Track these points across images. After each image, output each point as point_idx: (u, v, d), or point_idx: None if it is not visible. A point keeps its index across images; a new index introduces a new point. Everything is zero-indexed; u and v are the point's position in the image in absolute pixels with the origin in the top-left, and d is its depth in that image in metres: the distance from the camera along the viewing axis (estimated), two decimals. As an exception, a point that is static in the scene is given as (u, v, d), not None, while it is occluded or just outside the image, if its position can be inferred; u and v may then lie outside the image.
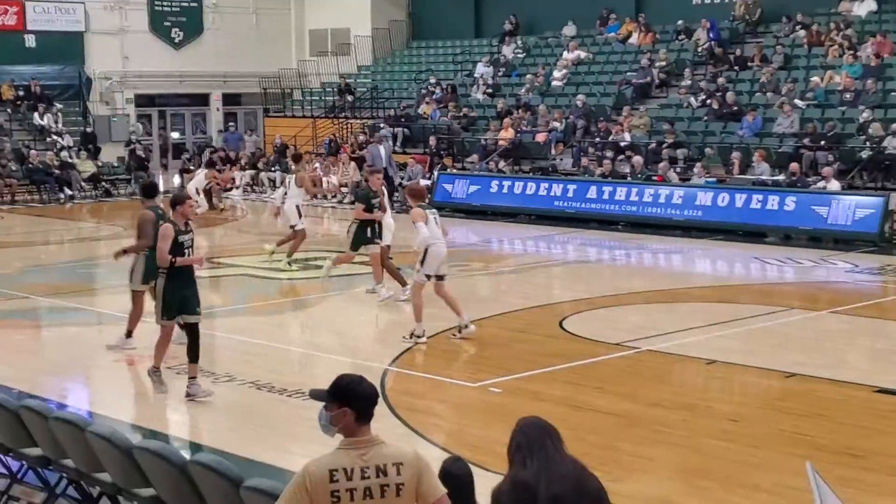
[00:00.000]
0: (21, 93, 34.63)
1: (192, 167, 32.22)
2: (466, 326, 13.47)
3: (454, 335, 13.46)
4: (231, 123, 38.84)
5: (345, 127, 34.39)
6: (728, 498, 8.39)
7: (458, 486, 5.28)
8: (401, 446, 4.86)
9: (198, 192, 26.03)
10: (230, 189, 31.84)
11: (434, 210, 14.11)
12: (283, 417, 10.52)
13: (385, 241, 15.97)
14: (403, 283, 15.63)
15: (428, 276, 13.54)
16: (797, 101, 25.56)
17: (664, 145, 25.90)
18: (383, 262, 15.89)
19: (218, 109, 39.15)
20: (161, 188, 21.03)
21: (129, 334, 13.13)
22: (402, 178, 27.92)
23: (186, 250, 10.86)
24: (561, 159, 27.36)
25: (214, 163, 30.65)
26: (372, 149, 27.96)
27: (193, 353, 10.96)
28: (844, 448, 9.43)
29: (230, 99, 39.44)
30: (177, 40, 37.93)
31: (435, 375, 12.07)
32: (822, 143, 23.75)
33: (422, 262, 13.40)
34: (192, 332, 10.97)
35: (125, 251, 13.26)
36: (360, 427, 4.80)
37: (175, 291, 10.79)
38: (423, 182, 27.63)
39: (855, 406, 10.83)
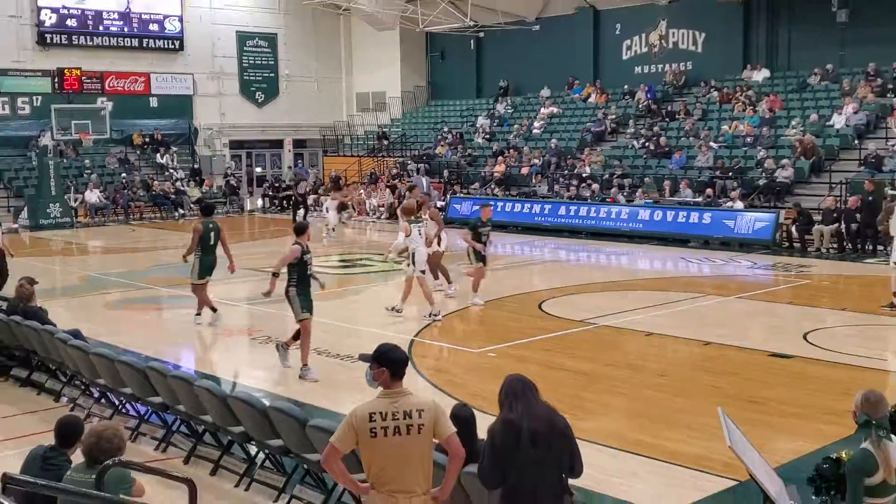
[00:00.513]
0: (147, 139, 34.79)
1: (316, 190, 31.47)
2: (400, 309, 13.60)
3: (427, 316, 13.40)
4: (299, 161, 38.88)
5: (382, 163, 34.39)
6: (661, 433, 8.37)
7: (464, 424, 5.29)
8: (423, 396, 4.87)
9: (327, 210, 25.08)
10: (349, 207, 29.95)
11: (421, 224, 14.09)
12: (337, 375, 10.54)
13: (441, 248, 15.32)
14: (449, 280, 15.36)
15: (423, 272, 13.68)
16: (712, 144, 25.45)
17: (615, 176, 25.82)
18: (438, 263, 15.23)
19: (289, 151, 39.16)
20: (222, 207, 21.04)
21: (198, 313, 13.30)
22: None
23: (309, 266, 10.58)
24: (539, 186, 27.31)
25: (340, 187, 29.79)
26: (416, 179, 27.71)
27: (297, 335, 10.67)
28: (747, 397, 9.40)
29: (298, 143, 39.46)
30: (259, 101, 37.96)
31: (447, 344, 12.09)
32: (730, 174, 23.67)
33: (412, 263, 13.60)
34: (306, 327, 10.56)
35: (185, 256, 13.58)
36: (393, 382, 4.82)
37: (306, 296, 10.50)
38: (439, 203, 27.71)
39: (755, 366, 10.80)
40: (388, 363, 4.84)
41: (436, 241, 15.00)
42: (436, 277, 15.29)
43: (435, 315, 13.36)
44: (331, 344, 11.93)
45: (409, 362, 5.26)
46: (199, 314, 13.39)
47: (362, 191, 31.28)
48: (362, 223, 29.37)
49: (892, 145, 21.59)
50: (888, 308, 13.54)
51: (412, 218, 13.96)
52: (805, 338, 11.99)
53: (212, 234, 13.32)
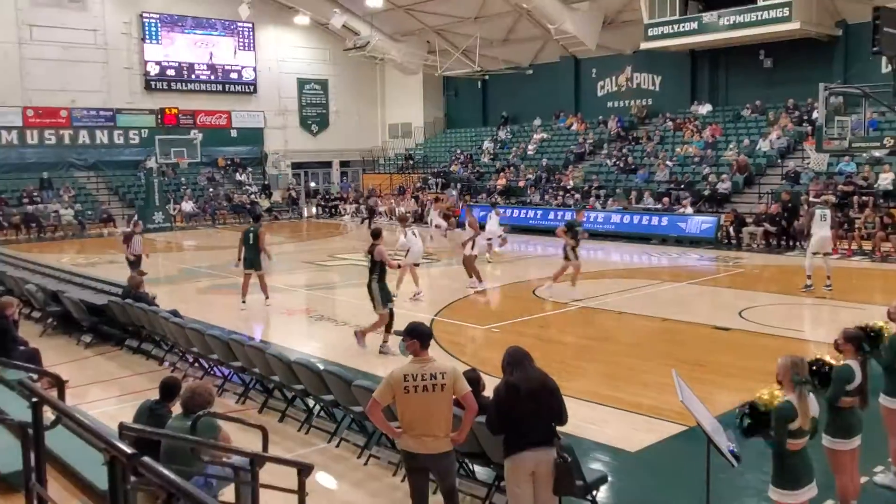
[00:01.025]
0: (228, 162, 34.91)
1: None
2: (420, 292, 13.67)
3: (415, 297, 13.51)
4: (344, 177, 38.93)
5: (408, 178, 34.38)
6: (628, 389, 8.37)
7: (472, 384, 5.35)
8: (444, 362, 4.89)
9: (430, 223, 21.67)
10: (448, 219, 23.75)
11: (412, 228, 14.64)
12: (376, 346, 10.57)
13: (476, 251, 14.79)
14: (480, 279, 14.66)
15: (417, 265, 14.09)
16: (668, 162, 25.28)
17: (592, 187, 25.71)
18: (471, 264, 14.39)
19: (336, 170, 39.23)
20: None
21: (266, 297, 13.12)
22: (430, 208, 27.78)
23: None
24: (533, 196, 27.22)
25: (438, 198, 28.14)
26: (449, 192, 27.50)
27: (389, 326, 10.18)
28: (695, 361, 9.38)
29: (343, 163, 39.53)
30: (314, 131, 38.02)
31: (460, 322, 12.09)
32: (682, 186, 23.52)
33: (406, 256, 14.01)
34: (392, 314, 10.20)
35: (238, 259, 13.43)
36: (422, 351, 4.86)
37: (386, 290, 10.16)
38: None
39: (701, 337, 10.76)
40: (418, 335, 4.89)
41: (469, 244, 14.74)
42: (469, 276, 14.74)
43: (418, 293, 13.64)
44: (369, 321, 11.94)
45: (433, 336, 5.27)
46: (267, 298, 13.34)
47: (392, 200, 31.29)
48: (393, 226, 29.30)
49: (807, 163, 21.40)
50: (804, 289, 13.47)
51: (407, 224, 14.85)
52: (740, 314, 11.93)
53: (250, 235, 13.19)
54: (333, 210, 33.87)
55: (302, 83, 37.35)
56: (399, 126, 39.65)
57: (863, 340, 5.29)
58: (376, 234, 10.47)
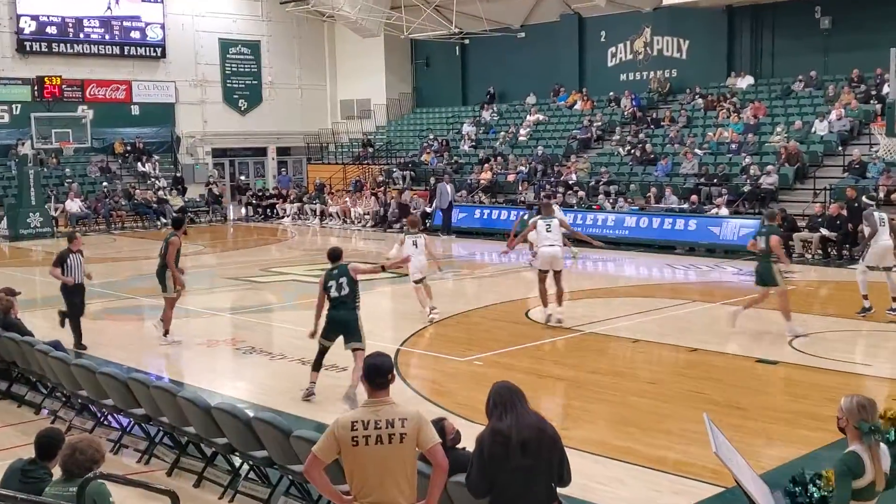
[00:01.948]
0: (128, 148, 34.71)
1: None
2: (433, 308, 13.99)
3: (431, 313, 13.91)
4: (283, 169, 38.85)
5: (367, 171, 34.42)
6: (647, 440, 8.40)
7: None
8: (407, 406, 4.83)
9: None
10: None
11: (421, 236, 14.46)
12: (322, 385, 10.50)
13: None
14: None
15: (418, 281, 13.86)
16: (697, 150, 25.57)
17: (601, 183, 25.92)
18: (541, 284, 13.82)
19: (273, 159, 39.14)
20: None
21: (165, 333, 12.95)
22: (413, 209, 27.90)
23: None
24: (526, 194, 27.35)
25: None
26: (440, 186, 27.28)
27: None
28: (732, 403, 9.45)
29: (282, 151, 39.45)
30: (242, 108, 37.92)
31: (433, 353, 12.08)
32: (715, 180, 23.78)
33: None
34: None
35: None
36: (375, 391, 4.81)
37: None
38: (427, 209, 27.76)
39: (740, 372, 10.85)
40: (367, 371, 4.84)
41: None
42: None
43: (433, 308, 13.94)
44: (313, 354, 11.89)
45: (395, 370, 5.23)
46: (166, 333, 12.94)
47: (347, 199, 31.31)
48: (347, 231, 29.35)
49: (876, 151, 21.72)
50: (861, 314, 13.58)
51: (413, 231, 14.46)
52: (790, 344, 12.05)
53: (162, 246, 13.05)
54: (269, 211, 33.76)
55: (226, 46, 37.26)
56: (354, 104, 39.69)
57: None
58: (335, 256, 10.08)
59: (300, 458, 6.42)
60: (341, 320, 9.70)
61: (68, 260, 12.40)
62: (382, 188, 31.16)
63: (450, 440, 5.74)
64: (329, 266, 9.98)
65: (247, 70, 37.92)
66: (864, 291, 13.76)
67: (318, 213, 31.82)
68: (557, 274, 13.75)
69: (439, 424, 5.69)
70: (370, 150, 35.85)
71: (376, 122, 38.83)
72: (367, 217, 29.82)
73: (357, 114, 39.48)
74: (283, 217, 32.76)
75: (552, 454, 4.78)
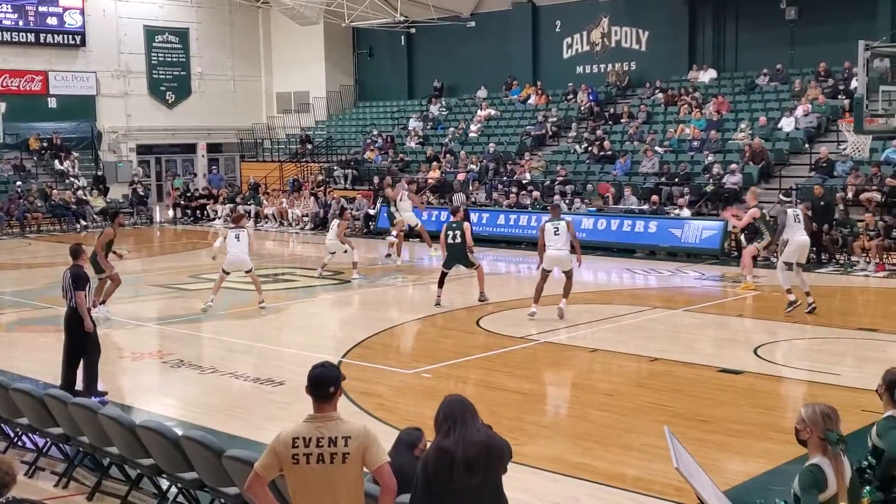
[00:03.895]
0: (45, 144, 34.18)
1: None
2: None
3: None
4: (214, 167, 38.51)
5: (305, 169, 34.27)
6: (606, 455, 8.47)
7: (407, 448, 5.34)
8: (354, 423, 4.80)
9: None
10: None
11: (244, 230, 16.05)
12: (257, 400, 10.45)
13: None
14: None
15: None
16: (657, 148, 25.89)
17: (556, 182, 26.11)
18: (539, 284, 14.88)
19: (203, 156, 38.80)
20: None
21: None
22: (351, 209, 27.78)
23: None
24: (477, 193, 27.45)
25: (345, 209, 24.68)
26: (399, 186, 26.94)
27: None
28: (695, 415, 9.57)
29: (213, 147, 39.13)
30: (170, 101, 37.56)
31: (378, 365, 12.05)
32: (676, 180, 24.10)
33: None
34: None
35: None
36: (318, 405, 4.79)
37: None
38: (370, 211, 27.67)
39: (703, 383, 10.99)
40: (310, 383, 4.82)
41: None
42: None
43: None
44: (250, 367, 11.82)
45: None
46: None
47: (284, 200, 31.13)
48: (284, 234, 29.17)
49: (843, 149, 22.18)
50: (788, 309, 14.36)
51: (232, 225, 16.60)
52: (755, 352, 12.25)
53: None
54: (199, 212, 33.43)
55: (151, 34, 36.86)
56: (292, 97, 39.52)
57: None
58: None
59: (233, 480, 6.37)
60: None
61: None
62: (322, 188, 31.04)
63: (420, 451, 5.74)
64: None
65: (174, 60, 37.54)
66: (787, 286, 14.46)
67: (252, 214, 31.56)
68: (567, 273, 14.69)
69: (416, 434, 5.69)
70: (309, 146, 35.69)
71: (315, 117, 38.68)
72: (305, 219, 29.68)
73: (294, 108, 39.31)
74: (213, 219, 32.46)
75: (501, 471, 4.82)
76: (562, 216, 15.43)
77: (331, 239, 19.60)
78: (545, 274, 14.65)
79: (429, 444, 5.81)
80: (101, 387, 10.51)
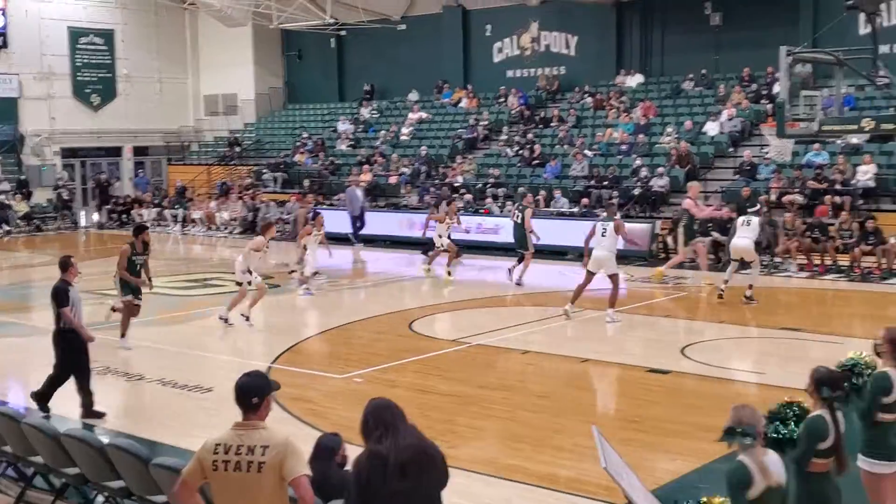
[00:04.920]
0: (-36, 148, 33.34)
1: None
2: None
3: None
4: (140, 170, 37.90)
5: (234, 172, 33.94)
6: (538, 457, 8.54)
7: (325, 454, 5.30)
8: (276, 432, 4.76)
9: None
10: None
11: None
12: (185, 408, 10.32)
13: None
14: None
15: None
16: (586, 152, 26.15)
17: (488, 185, 26.23)
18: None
19: (129, 159, 38.13)
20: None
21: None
22: (282, 213, 27.62)
23: None
24: (409, 197, 27.44)
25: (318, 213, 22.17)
26: (349, 191, 26.59)
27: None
28: (625, 415, 9.71)
29: (139, 150, 38.47)
30: (95, 104, 36.82)
31: (308, 370, 11.99)
32: (605, 183, 24.39)
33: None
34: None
35: None
36: (244, 414, 4.78)
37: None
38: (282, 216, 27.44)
39: (632, 383, 11.15)
40: (237, 392, 4.81)
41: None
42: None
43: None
44: (178, 373, 11.65)
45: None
46: None
47: (213, 203, 30.78)
48: (212, 238, 28.83)
49: (766, 153, 22.67)
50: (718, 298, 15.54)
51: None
52: (682, 352, 12.46)
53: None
54: (125, 217, 32.87)
55: (76, 35, 36.13)
56: (220, 99, 39.11)
57: (838, 383, 5.63)
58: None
59: (161, 488, 6.30)
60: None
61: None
62: (251, 191, 30.75)
63: (341, 457, 5.71)
64: None
65: (99, 62, 36.84)
66: (728, 277, 15.83)
67: (179, 218, 31.16)
68: (612, 277, 14.57)
69: (335, 439, 5.66)
70: (237, 149, 35.35)
71: (244, 119, 38.33)
72: (233, 223, 29.37)
73: (222, 110, 38.92)
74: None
75: (434, 476, 4.80)
76: (615, 216, 15.26)
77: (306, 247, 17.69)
78: (590, 275, 14.71)
79: (347, 452, 5.82)
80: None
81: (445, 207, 20.76)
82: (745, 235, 15.79)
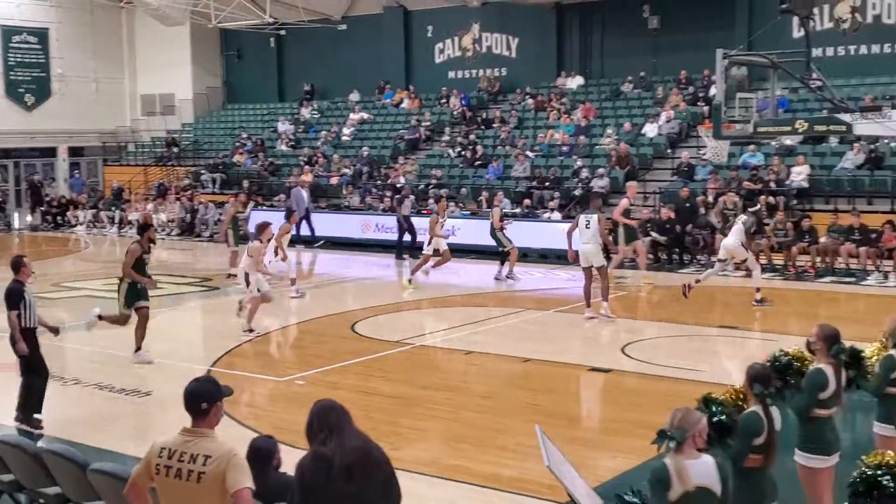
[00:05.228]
0: None
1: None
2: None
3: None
4: (76, 172, 37.24)
5: (172, 173, 33.53)
6: (481, 457, 8.56)
7: (262, 459, 5.26)
8: (221, 444, 4.67)
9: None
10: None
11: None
12: (123, 412, 10.16)
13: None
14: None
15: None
16: (528, 153, 26.31)
17: (430, 186, 26.24)
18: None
19: (64, 160, 37.47)
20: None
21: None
22: (221, 215, 27.30)
23: None
24: (351, 198, 27.34)
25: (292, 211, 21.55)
26: (295, 192, 26.19)
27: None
28: (567, 414, 9.78)
29: (74, 151, 37.83)
30: (29, 104, 36.11)
31: (249, 373, 11.88)
32: (547, 184, 24.57)
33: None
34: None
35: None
36: (193, 420, 4.72)
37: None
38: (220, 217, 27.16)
39: (574, 382, 11.24)
40: (186, 398, 4.75)
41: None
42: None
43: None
44: (115, 377, 11.47)
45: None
46: None
47: (150, 205, 30.35)
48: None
49: (703, 154, 23.04)
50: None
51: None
52: (623, 350, 12.59)
53: None
54: (60, 219, 32.27)
55: (8, 33, 35.41)
56: (157, 99, 38.64)
57: (767, 380, 5.72)
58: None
59: (99, 494, 6.20)
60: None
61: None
62: (189, 193, 30.40)
63: (277, 460, 5.66)
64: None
65: (33, 61, 36.14)
66: (703, 277, 16.18)
67: (115, 220, 30.68)
68: (599, 269, 14.51)
69: (271, 442, 5.60)
70: (175, 150, 34.93)
71: (182, 120, 37.93)
72: (171, 224, 29.01)
73: (160, 110, 38.49)
74: (75, 225, 31.46)
75: (379, 478, 4.77)
76: (596, 210, 15.15)
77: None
78: (586, 272, 14.69)
79: (282, 454, 5.77)
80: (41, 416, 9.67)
81: (435, 207, 20.39)
82: (732, 235, 15.67)
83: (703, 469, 4.74)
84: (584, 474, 5.81)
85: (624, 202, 17.58)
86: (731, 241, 15.55)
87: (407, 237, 22.97)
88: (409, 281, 18.23)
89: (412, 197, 23.86)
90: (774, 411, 5.66)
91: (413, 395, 10.78)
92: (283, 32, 35.10)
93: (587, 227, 14.59)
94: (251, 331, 13.72)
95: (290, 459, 5.33)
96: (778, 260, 19.59)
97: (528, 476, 7.84)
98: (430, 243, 18.33)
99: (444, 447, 8.95)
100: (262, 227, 14.33)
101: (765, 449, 5.52)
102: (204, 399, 4.72)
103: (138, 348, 12.11)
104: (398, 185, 25.83)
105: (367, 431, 4.95)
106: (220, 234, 18.18)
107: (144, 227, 12.92)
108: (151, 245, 12.58)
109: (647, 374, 11.50)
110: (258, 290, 13.80)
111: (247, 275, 13.83)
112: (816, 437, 6.15)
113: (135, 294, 12.01)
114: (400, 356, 12.67)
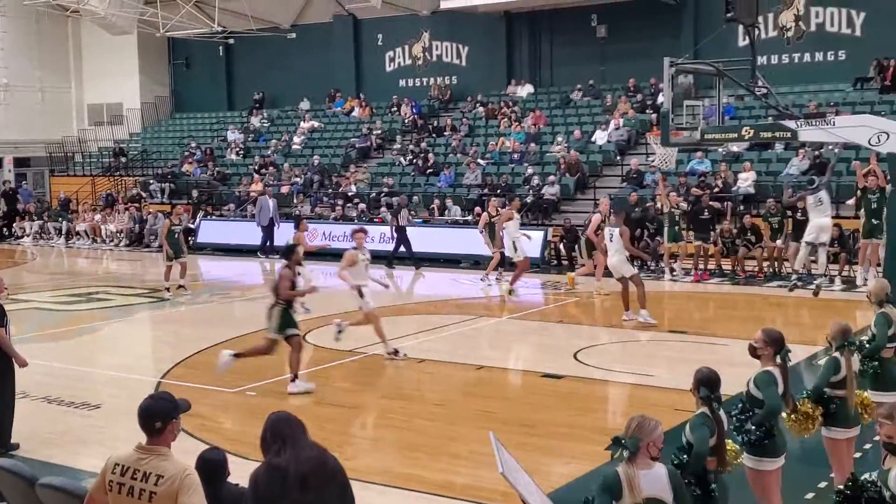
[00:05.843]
0: None
1: None
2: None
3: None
4: (22, 182, 36.64)
5: (120, 183, 33.12)
6: (435, 465, 8.55)
7: (214, 470, 5.21)
8: (174, 463, 4.63)
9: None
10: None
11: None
12: (72, 425, 10.00)
13: None
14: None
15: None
16: (479, 160, 26.42)
17: (382, 194, 26.22)
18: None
19: (10, 171, 36.85)
20: None
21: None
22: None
23: None
24: (302, 206, 27.21)
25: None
26: (262, 200, 25.60)
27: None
28: (520, 420, 9.80)
29: (20, 162, 37.24)
30: (-28, 113, 35.53)
31: (200, 385, 11.74)
32: (498, 191, 24.64)
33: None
34: None
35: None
36: (148, 437, 4.67)
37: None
38: (189, 225, 26.91)
39: (527, 388, 11.28)
40: (140, 416, 4.71)
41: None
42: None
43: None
44: (64, 390, 11.28)
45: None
46: None
47: (98, 216, 29.94)
48: (98, 251, 28.04)
49: (652, 161, 23.26)
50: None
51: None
52: (575, 356, 12.65)
53: None
54: (5, 230, 31.70)
55: (-49, 42, 34.75)
56: (105, 108, 38.19)
57: (716, 384, 5.79)
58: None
59: (48, 511, 6.08)
60: None
61: None
62: (137, 203, 30.05)
63: (227, 473, 5.61)
64: None
65: (-24, 70, 35.53)
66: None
67: (63, 231, 30.22)
68: (632, 279, 14.69)
69: (220, 453, 5.54)
70: (123, 159, 34.51)
71: (129, 129, 37.52)
72: (120, 235, 28.66)
73: (107, 119, 38.04)
74: (21, 237, 30.94)
75: (333, 488, 4.75)
76: (621, 223, 15.09)
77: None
78: (622, 282, 14.77)
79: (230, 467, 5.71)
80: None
81: (508, 204, 19.89)
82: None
83: (654, 479, 4.77)
84: (538, 480, 5.82)
85: (596, 218, 17.49)
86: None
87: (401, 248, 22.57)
88: (510, 291, 17.69)
89: (408, 208, 23.60)
90: (722, 414, 5.72)
91: (366, 404, 10.75)
92: (231, 41, 34.89)
93: (611, 241, 14.73)
94: (395, 351, 12.76)
95: (244, 470, 5.28)
96: (727, 265, 19.85)
97: (481, 483, 7.85)
98: (515, 249, 18.00)
99: (397, 456, 8.93)
100: (290, 250, 12.70)
101: (715, 451, 5.58)
102: (158, 418, 4.69)
103: (295, 377, 11.30)
104: (394, 196, 25.25)
105: (320, 441, 4.94)
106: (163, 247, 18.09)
107: (292, 248, 12.41)
108: (300, 267, 12.45)
109: (599, 380, 11.57)
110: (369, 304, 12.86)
111: (359, 288, 12.98)
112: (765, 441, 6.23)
113: (288, 320, 11.50)
114: (353, 365, 12.63)
